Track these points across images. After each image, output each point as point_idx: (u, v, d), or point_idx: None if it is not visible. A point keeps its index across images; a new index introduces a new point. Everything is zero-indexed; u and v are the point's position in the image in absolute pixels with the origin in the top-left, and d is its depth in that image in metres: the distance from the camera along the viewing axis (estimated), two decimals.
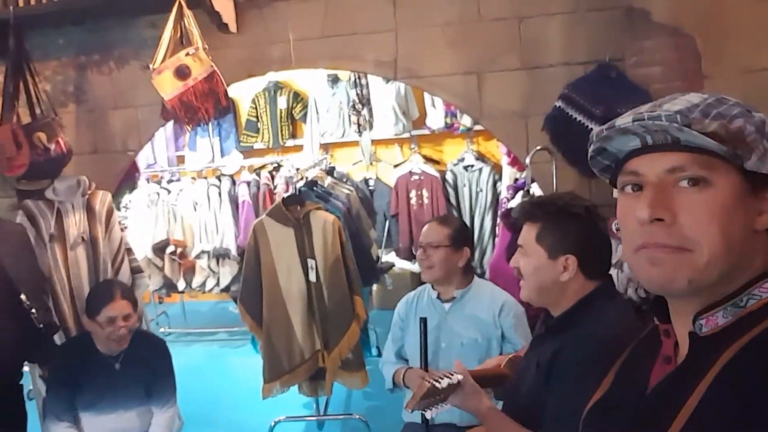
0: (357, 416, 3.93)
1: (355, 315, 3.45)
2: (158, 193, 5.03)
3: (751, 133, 0.76)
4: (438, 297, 2.47)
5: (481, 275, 3.27)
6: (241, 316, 3.62)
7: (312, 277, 3.43)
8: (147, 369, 2.76)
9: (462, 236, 2.45)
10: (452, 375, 1.61)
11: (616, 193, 0.88)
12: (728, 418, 0.72)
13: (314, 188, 4.04)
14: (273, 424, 3.87)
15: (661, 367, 0.87)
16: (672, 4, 2.90)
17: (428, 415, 1.66)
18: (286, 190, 4.58)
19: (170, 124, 5.23)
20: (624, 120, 0.83)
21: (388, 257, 5.99)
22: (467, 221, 5.40)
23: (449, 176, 5.76)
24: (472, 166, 5.67)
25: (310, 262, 3.43)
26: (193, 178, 5.20)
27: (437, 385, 1.57)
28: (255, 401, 3.63)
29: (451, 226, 2.46)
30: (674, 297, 0.84)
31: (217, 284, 5.01)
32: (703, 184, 0.77)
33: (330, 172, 4.91)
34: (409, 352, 2.53)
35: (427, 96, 5.77)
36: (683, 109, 0.78)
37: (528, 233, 1.63)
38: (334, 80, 5.98)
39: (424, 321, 2.24)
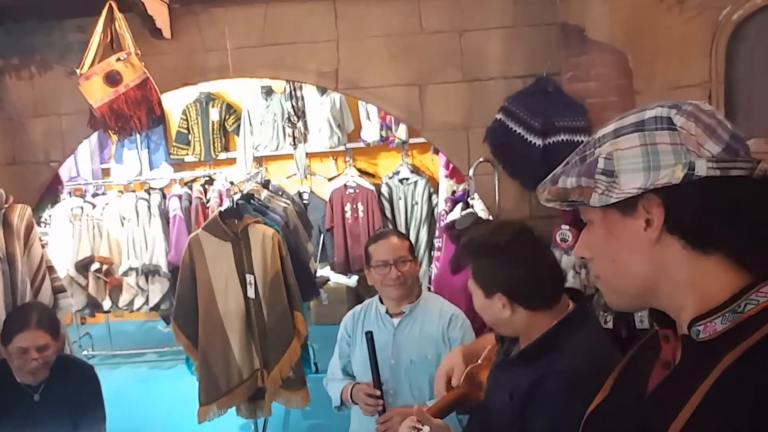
0: None
1: (296, 331, 3.36)
2: (82, 207, 4.74)
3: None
4: (387, 312, 2.40)
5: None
6: (175, 336, 3.44)
7: (251, 293, 3.31)
8: (72, 399, 2.54)
9: (413, 248, 2.45)
10: (420, 430, 1.53)
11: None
12: (728, 423, 0.72)
13: (251, 201, 3.92)
14: None
15: (659, 371, 0.87)
16: (605, 22, 3.01)
17: None
18: (220, 204, 4.43)
19: (95, 135, 4.97)
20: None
21: (323, 272, 5.90)
22: None
23: (384, 189, 5.75)
24: (408, 179, 5.70)
25: (249, 278, 3.31)
26: (120, 191, 4.95)
27: None
28: (189, 426, 3.45)
29: (406, 238, 2.44)
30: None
31: (146, 303, 4.76)
32: (590, 224, 0.92)
33: (266, 185, 4.79)
34: (356, 368, 2.45)
35: (362, 109, 5.75)
36: (547, 179, 0.92)
37: (469, 272, 1.58)
38: (269, 92, 5.88)
39: (369, 335, 2.18)
